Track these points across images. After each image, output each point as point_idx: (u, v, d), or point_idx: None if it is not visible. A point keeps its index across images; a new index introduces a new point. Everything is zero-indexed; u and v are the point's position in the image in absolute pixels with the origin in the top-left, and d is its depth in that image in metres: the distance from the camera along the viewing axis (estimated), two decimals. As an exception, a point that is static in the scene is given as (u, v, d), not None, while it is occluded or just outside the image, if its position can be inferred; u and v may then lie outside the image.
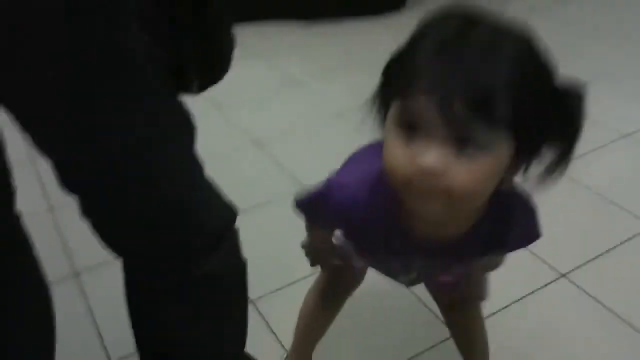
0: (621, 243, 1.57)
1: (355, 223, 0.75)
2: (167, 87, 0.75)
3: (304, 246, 0.97)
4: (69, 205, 0.83)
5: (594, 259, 1.53)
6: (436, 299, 1.06)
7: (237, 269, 0.93)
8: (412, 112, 0.59)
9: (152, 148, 0.74)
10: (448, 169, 0.58)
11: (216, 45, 0.80)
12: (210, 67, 0.80)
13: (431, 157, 0.57)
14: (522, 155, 0.62)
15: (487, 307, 1.09)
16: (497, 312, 1.36)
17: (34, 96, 0.66)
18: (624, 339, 1.31)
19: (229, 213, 0.87)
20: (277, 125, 2.13)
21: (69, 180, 0.76)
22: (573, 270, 1.49)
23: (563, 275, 1.48)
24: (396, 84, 0.61)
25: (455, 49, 0.57)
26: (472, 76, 0.56)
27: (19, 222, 0.86)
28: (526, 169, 0.64)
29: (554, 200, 1.66)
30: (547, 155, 0.63)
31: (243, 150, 1.99)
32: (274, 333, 1.35)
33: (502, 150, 0.59)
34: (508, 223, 0.73)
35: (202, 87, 0.80)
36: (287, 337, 1.22)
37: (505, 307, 1.39)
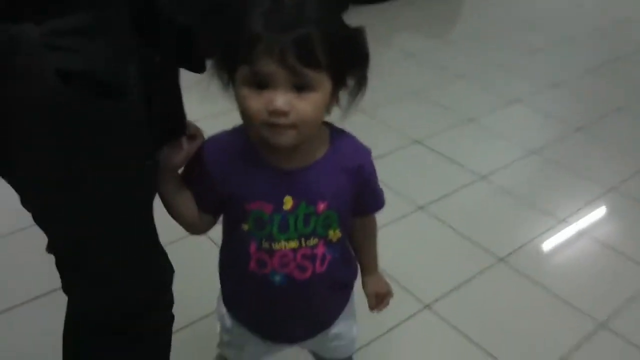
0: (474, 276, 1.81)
1: (224, 161, 0.92)
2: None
3: None
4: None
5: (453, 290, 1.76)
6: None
7: (169, 323, 1.05)
8: (257, 72, 0.79)
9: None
10: (292, 107, 0.80)
11: None
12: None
13: (280, 101, 0.80)
14: (337, 87, 0.85)
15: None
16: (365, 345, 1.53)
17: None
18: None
19: (170, 273, 1.00)
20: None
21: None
22: (436, 300, 1.71)
23: (427, 307, 1.69)
24: (237, 53, 0.80)
25: (275, 16, 0.78)
26: (296, 36, 0.77)
27: None
28: (338, 99, 0.88)
29: (418, 237, 1.92)
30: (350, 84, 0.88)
31: None
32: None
33: (325, 87, 0.83)
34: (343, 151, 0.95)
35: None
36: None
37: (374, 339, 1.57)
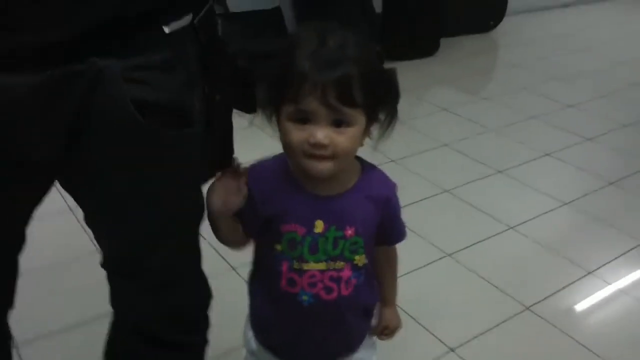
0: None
1: (265, 185, 1.00)
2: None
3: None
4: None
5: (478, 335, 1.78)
6: None
7: (204, 344, 1.12)
8: (302, 110, 0.88)
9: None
10: (331, 140, 0.89)
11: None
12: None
13: (320, 135, 0.88)
14: (370, 122, 0.94)
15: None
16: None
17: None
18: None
19: (209, 295, 1.10)
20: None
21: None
22: (461, 345, 1.74)
23: (452, 350, 1.72)
24: (283, 91, 0.89)
25: (319, 58, 0.87)
26: (336, 77, 0.86)
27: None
28: (370, 132, 0.96)
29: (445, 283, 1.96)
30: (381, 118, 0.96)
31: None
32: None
33: (360, 122, 0.91)
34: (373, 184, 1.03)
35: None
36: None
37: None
